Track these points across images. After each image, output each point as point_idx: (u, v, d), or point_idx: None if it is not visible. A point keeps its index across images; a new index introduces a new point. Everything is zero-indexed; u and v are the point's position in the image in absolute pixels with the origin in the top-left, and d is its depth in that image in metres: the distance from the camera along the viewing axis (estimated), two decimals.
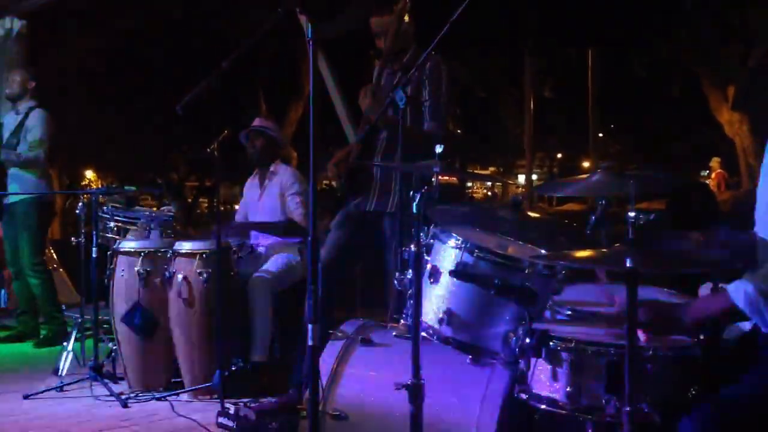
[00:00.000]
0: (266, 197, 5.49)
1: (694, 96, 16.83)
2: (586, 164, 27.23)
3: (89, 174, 28.46)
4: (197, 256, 4.80)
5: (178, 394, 4.80)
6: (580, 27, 15.47)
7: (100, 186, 19.02)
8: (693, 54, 14.57)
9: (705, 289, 2.83)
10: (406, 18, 4.22)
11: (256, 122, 5.64)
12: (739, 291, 2.28)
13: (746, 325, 2.50)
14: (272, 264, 5.27)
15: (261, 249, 5.47)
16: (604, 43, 17.41)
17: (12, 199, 6.29)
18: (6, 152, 6.20)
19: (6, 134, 6.34)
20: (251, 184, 5.69)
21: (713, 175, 19.09)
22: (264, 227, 5.45)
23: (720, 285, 2.71)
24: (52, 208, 6.14)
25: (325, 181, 4.48)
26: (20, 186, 6.23)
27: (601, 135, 26.06)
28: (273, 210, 5.43)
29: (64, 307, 6.57)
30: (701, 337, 2.47)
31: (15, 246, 6.36)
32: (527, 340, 2.63)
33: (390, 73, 4.36)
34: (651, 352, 2.40)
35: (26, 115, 6.32)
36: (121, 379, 5.05)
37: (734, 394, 2.27)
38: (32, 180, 6.25)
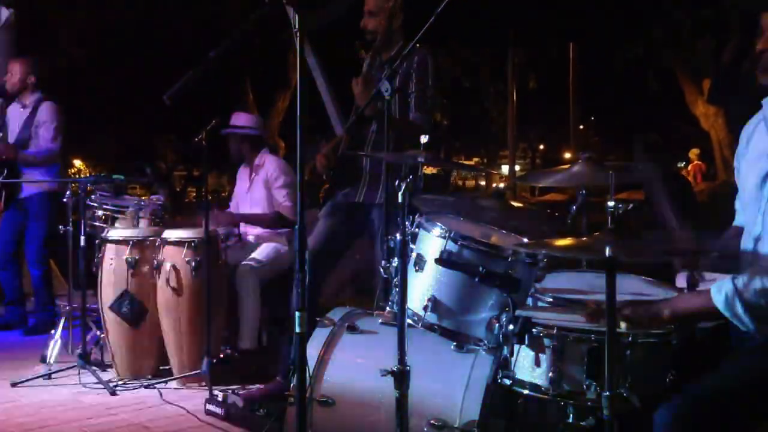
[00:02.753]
0: (255, 189, 5.51)
1: (671, 90, 16.98)
2: (567, 155, 27.38)
3: (77, 162, 28.37)
4: (186, 245, 4.83)
5: (166, 382, 4.84)
6: (562, 22, 15.56)
7: (88, 174, 18.94)
8: (668, 49, 14.69)
9: (681, 278, 2.89)
10: (396, 19, 4.30)
11: (233, 120, 5.56)
12: (720, 293, 2.34)
13: None
14: (260, 253, 5.30)
15: (249, 238, 5.52)
16: (585, 37, 17.51)
17: (26, 193, 6.26)
18: (23, 155, 6.14)
19: (15, 128, 6.25)
20: (242, 174, 5.70)
21: (690, 167, 19.19)
22: (252, 219, 5.49)
23: (695, 273, 2.78)
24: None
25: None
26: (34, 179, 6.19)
27: (582, 127, 26.21)
28: (261, 201, 5.46)
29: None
30: (677, 325, 2.54)
31: (6, 238, 6.37)
32: (510, 327, 2.69)
33: (379, 66, 4.41)
34: (630, 339, 2.46)
35: (35, 108, 6.26)
36: (109, 366, 5.09)
37: (708, 386, 2.34)
38: (46, 173, 6.22)
